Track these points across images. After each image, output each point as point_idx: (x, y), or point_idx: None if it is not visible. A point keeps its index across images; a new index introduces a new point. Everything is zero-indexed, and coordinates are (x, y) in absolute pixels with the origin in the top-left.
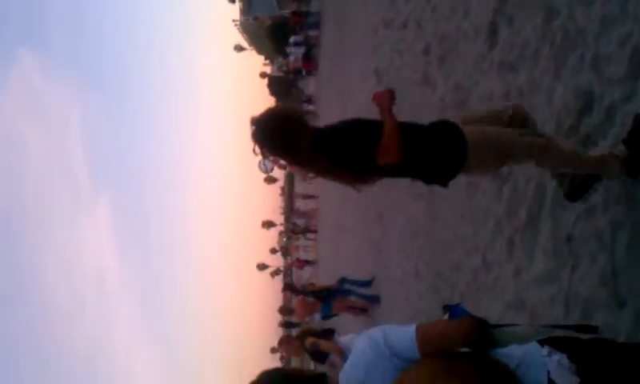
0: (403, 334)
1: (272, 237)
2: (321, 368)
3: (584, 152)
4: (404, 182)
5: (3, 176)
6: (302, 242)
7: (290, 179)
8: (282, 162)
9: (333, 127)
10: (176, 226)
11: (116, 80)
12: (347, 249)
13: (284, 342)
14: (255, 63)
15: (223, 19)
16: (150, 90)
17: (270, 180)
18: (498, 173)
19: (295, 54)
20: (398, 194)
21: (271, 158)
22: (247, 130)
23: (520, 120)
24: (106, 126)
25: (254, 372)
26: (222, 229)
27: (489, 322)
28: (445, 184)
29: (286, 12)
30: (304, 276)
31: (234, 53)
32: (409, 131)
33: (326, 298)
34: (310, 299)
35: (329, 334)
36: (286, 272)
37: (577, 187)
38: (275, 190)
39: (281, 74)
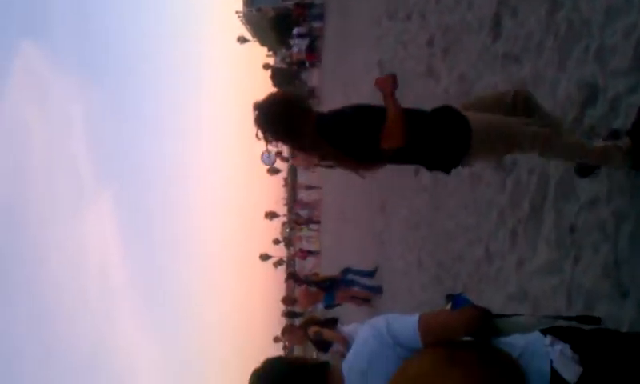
0: (406, 324)
1: (275, 228)
2: (324, 357)
3: (588, 143)
4: (407, 173)
5: (7, 167)
6: (304, 232)
7: (292, 170)
8: (285, 147)
9: (337, 112)
10: (179, 220)
11: (119, 75)
12: (350, 240)
13: (287, 332)
14: (258, 55)
15: (226, 11)
16: (153, 85)
17: (273, 171)
18: (501, 162)
19: (299, 45)
20: (401, 185)
21: (274, 143)
22: (250, 122)
23: (523, 105)
24: (109, 121)
25: (258, 361)
26: (225, 221)
27: (491, 311)
28: (448, 171)
29: (290, 3)
30: (307, 266)
31: (237, 44)
32: (412, 116)
33: (330, 288)
34: (313, 289)
35: (332, 323)
36: (289, 262)
37: (587, 163)
38: (278, 181)
39: (284, 66)
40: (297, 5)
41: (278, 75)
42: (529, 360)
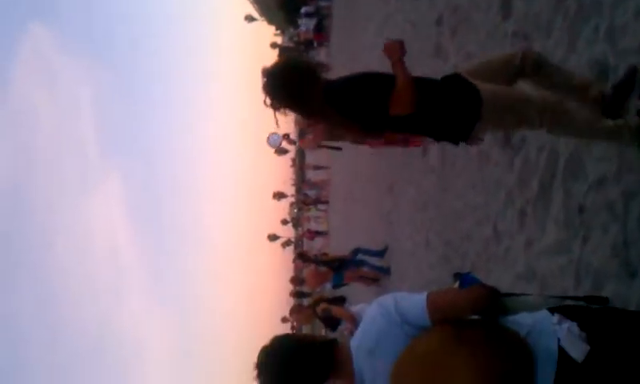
0: (414, 302)
1: (283, 208)
2: (332, 335)
3: (597, 120)
4: (415, 154)
5: (16, 149)
6: (313, 212)
7: (300, 151)
8: (293, 115)
9: (345, 79)
10: (187, 200)
11: (128, 56)
12: (358, 220)
13: (295, 311)
14: (266, 34)
15: None
16: (162, 66)
17: (281, 151)
18: (512, 135)
19: (306, 24)
20: (409, 165)
21: (282, 111)
22: (259, 102)
23: (532, 68)
24: (118, 103)
25: (266, 341)
26: (233, 202)
27: (499, 290)
28: (456, 142)
29: None
30: (315, 247)
31: (245, 23)
32: (422, 84)
33: (339, 268)
34: (322, 269)
35: (340, 301)
36: (297, 243)
37: (611, 100)
38: (286, 161)
39: (292, 45)
40: None
41: (285, 55)
42: (536, 338)
